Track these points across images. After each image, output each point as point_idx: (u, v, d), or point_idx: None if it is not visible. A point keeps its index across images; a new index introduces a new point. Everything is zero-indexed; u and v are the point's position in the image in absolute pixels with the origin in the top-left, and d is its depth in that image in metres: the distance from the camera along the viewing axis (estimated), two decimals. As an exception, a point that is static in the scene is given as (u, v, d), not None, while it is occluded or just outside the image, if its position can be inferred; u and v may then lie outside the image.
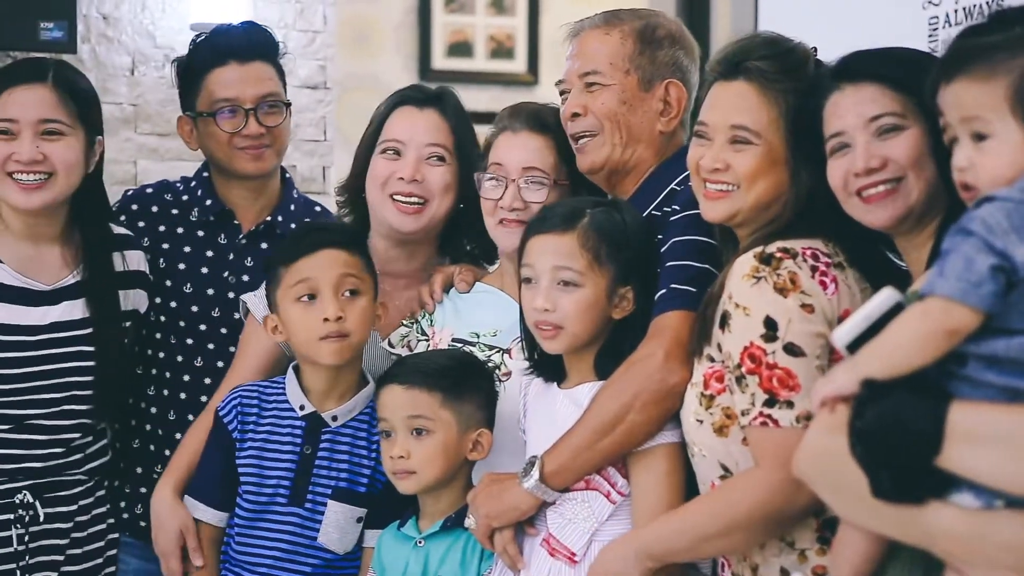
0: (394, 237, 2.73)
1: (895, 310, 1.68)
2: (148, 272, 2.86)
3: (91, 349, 2.69)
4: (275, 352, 2.66)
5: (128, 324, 2.80)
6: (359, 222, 2.79)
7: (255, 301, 2.66)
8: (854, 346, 1.69)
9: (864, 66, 2.01)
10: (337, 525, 2.50)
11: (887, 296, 1.69)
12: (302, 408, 2.54)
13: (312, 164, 5.18)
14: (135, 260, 2.83)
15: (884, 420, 1.61)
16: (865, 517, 1.74)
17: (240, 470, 2.54)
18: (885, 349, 1.63)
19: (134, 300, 2.82)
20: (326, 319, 2.46)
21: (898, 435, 1.60)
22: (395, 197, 2.68)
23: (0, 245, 2.68)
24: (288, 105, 2.92)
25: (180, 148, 4.99)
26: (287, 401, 2.56)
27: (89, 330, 2.70)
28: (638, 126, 2.47)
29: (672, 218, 2.32)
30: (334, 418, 2.54)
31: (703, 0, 4.68)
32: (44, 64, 2.73)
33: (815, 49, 2.18)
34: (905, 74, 1.95)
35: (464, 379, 2.42)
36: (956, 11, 3.08)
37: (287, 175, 3.04)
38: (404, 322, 2.70)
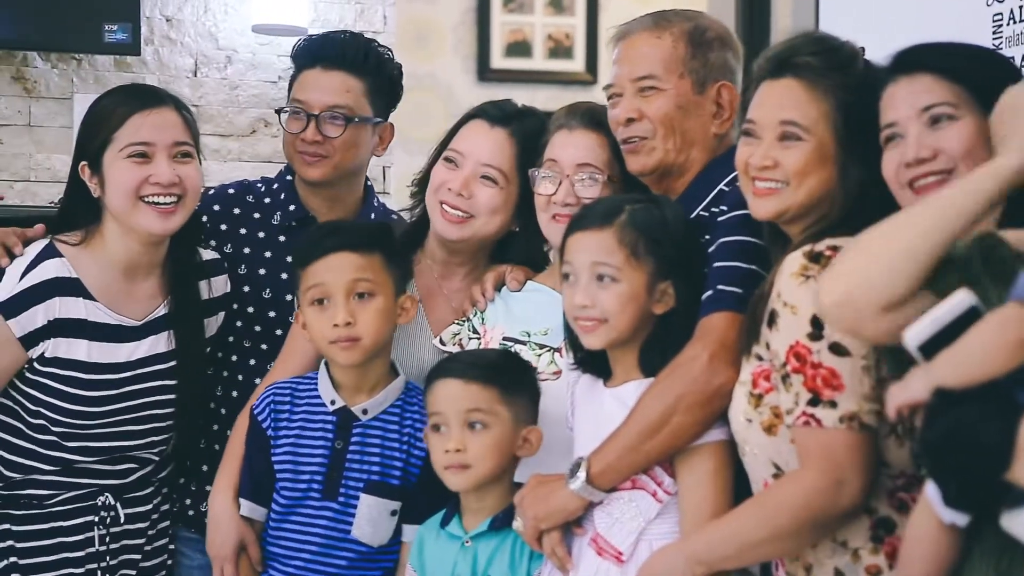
0: (442, 241, 2.75)
1: (970, 314, 1.65)
2: (229, 288, 2.87)
3: (174, 382, 2.72)
4: (314, 355, 2.67)
5: (208, 349, 2.83)
6: (425, 217, 2.81)
7: None
8: (926, 348, 1.67)
9: (919, 57, 2.00)
10: (370, 518, 2.51)
11: (961, 299, 1.66)
12: (333, 403, 2.56)
13: (372, 163, 5.20)
14: (220, 285, 2.85)
15: (953, 432, 1.58)
16: None
17: (276, 466, 2.56)
18: (959, 356, 1.61)
19: (215, 325, 2.85)
20: (336, 324, 2.48)
21: (967, 448, 1.57)
22: (443, 205, 2.69)
23: (95, 280, 2.65)
24: (358, 121, 2.88)
25: (241, 148, 5.06)
26: (319, 396, 2.58)
27: (172, 363, 2.72)
28: (692, 130, 2.46)
29: (720, 219, 2.31)
30: (364, 412, 2.56)
31: (764, 2, 4.65)
32: (156, 89, 2.76)
33: (863, 49, 2.16)
34: (960, 65, 1.94)
35: (517, 375, 2.43)
36: (1021, 7, 3.04)
37: (369, 182, 3.05)
38: (456, 320, 2.71)
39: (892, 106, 1.99)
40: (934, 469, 1.62)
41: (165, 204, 2.61)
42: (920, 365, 1.69)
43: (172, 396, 2.72)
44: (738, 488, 2.21)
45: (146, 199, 2.60)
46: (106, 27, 4.76)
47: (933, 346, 1.65)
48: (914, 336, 1.68)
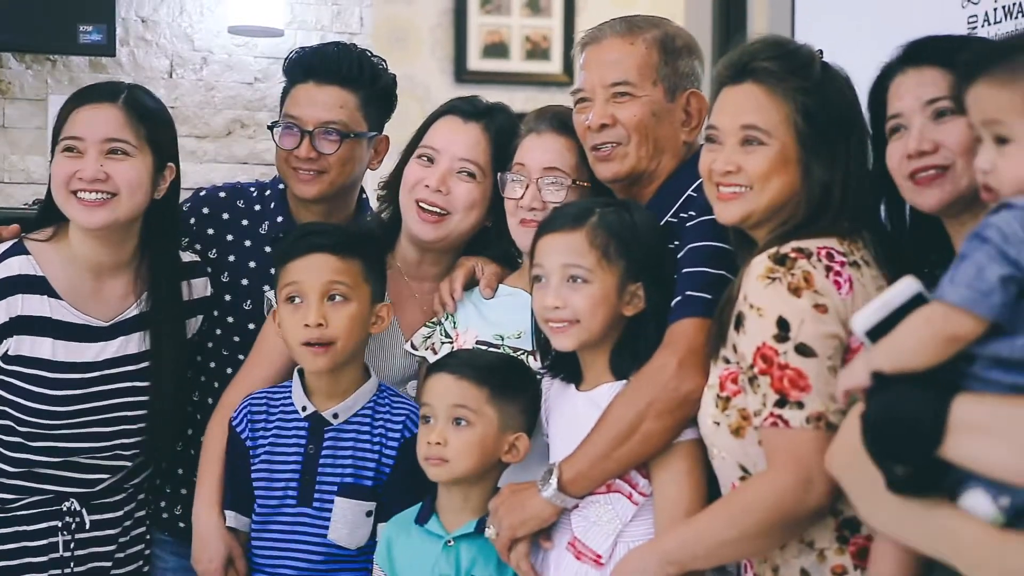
0: (416, 242, 2.74)
1: (916, 300, 1.68)
2: (210, 291, 2.85)
3: (145, 384, 2.70)
4: (286, 357, 2.65)
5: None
6: (395, 220, 2.80)
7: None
8: (873, 333, 1.69)
9: (928, 50, 2.01)
10: (346, 521, 2.51)
11: (907, 285, 1.69)
12: (304, 409, 2.57)
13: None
14: (200, 287, 2.83)
15: (887, 410, 1.62)
16: (886, 522, 1.75)
17: (253, 475, 2.57)
18: (893, 347, 1.65)
19: (194, 328, 2.83)
20: (307, 325, 2.48)
21: (900, 425, 1.61)
22: (420, 203, 2.68)
23: (61, 278, 2.65)
24: (353, 136, 2.83)
25: (216, 150, 5.04)
26: (292, 404, 2.58)
27: (144, 364, 2.70)
28: (664, 137, 2.47)
29: (688, 224, 2.32)
30: (335, 416, 2.56)
31: (740, 4, 4.66)
32: (118, 86, 2.71)
33: (821, 51, 2.18)
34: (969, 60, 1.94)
35: (513, 380, 2.43)
36: (995, 9, 3.06)
37: (363, 196, 3.03)
38: (427, 323, 2.70)
39: (898, 96, 2.01)
40: (872, 449, 1.63)
41: (91, 199, 2.59)
42: (865, 350, 1.72)
43: (143, 398, 2.70)
44: (710, 489, 2.22)
45: (76, 193, 2.59)
46: (81, 28, 4.74)
47: (880, 332, 1.68)
48: (862, 322, 1.71)
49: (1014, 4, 3.03)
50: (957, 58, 1.93)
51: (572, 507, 2.28)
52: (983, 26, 3.12)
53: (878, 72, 2.10)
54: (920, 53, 2.02)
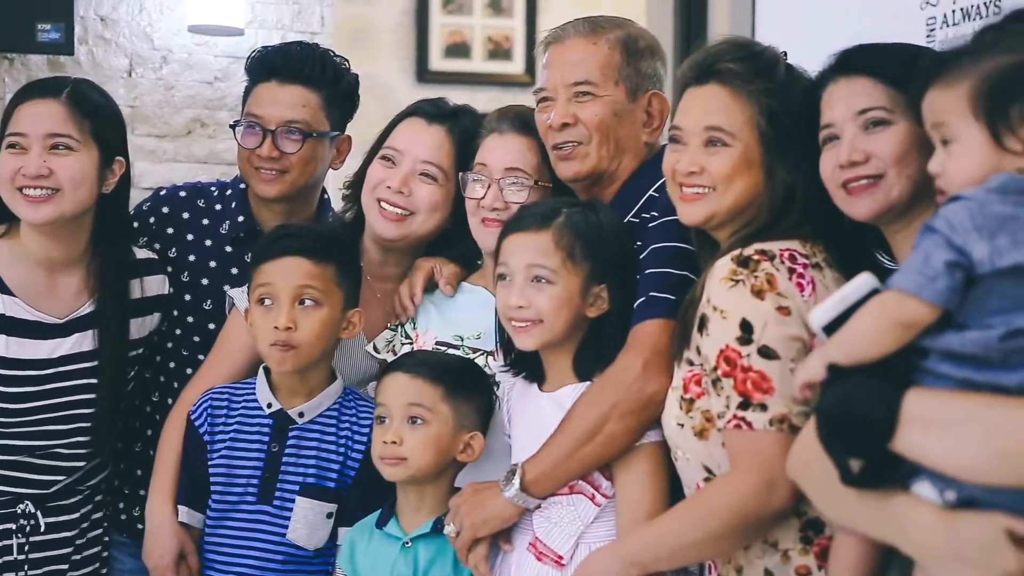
0: (379, 242, 2.73)
1: (873, 295, 1.69)
2: (168, 289, 2.83)
3: (97, 381, 2.68)
4: (251, 349, 2.65)
5: (139, 352, 2.79)
6: (358, 220, 2.79)
7: (241, 296, 2.66)
8: (830, 328, 1.70)
9: (859, 59, 2.02)
10: (306, 521, 2.51)
11: (864, 281, 1.70)
12: (269, 406, 2.56)
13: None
14: (155, 285, 2.81)
15: (841, 403, 1.64)
16: (844, 514, 1.77)
17: (211, 470, 2.55)
18: (847, 338, 1.66)
19: (149, 326, 2.81)
20: (276, 327, 2.48)
21: (854, 418, 1.63)
22: (381, 203, 2.68)
23: (14, 275, 2.63)
24: (316, 136, 2.82)
25: (176, 150, 5.01)
26: (256, 400, 2.58)
27: (97, 362, 2.68)
28: (625, 137, 2.47)
29: (651, 225, 2.32)
30: (300, 415, 2.55)
31: (701, 6, 4.68)
32: (63, 81, 2.70)
33: (785, 53, 2.19)
34: (899, 69, 1.96)
35: (467, 379, 2.43)
36: (954, 11, 3.08)
37: (325, 196, 3.02)
38: (389, 326, 2.70)
39: (830, 107, 2.02)
40: (827, 442, 1.65)
41: (35, 195, 2.57)
42: (819, 345, 1.74)
43: (95, 396, 2.68)
44: (673, 490, 2.22)
45: (22, 190, 2.58)
46: (39, 26, 4.69)
47: (837, 327, 1.70)
48: (819, 317, 1.72)
49: (972, 6, 3.06)
50: (884, 66, 1.97)
51: (534, 508, 2.27)
52: (941, 28, 3.14)
53: (811, 81, 2.11)
54: (851, 62, 2.02)
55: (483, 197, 2.55)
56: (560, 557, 2.25)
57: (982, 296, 1.58)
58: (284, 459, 2.53)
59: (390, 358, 2.62)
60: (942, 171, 1.70)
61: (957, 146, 1.68)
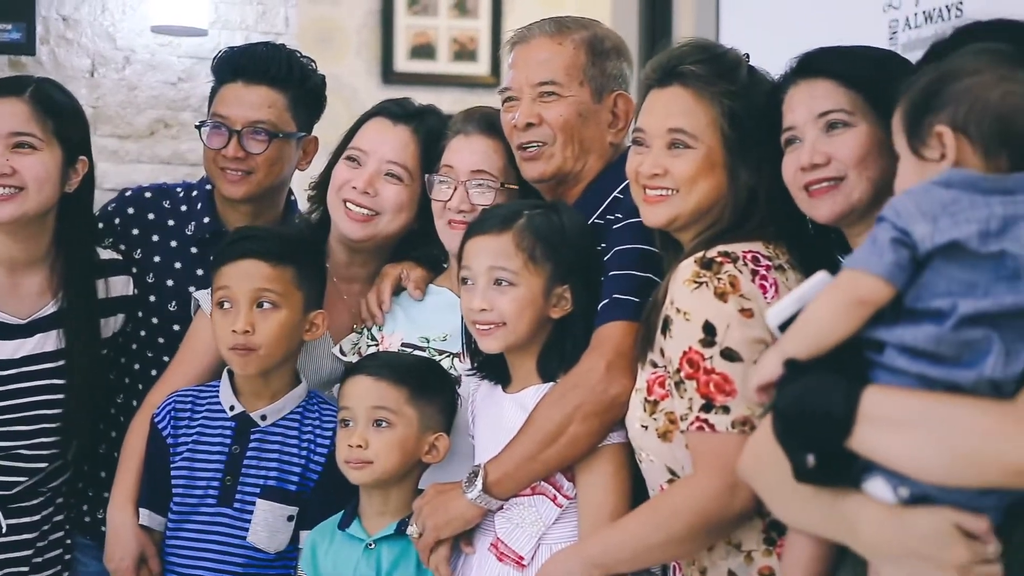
0: (345, 243, 2.72)
1: None
2: (133, 291, 2.81)
3: (63, 382, 2.66)
4: (216, 351, 2.63)
5: (104, 353, 2.77)
6: (324, 222, 2.78)
7: (206, 298, 2.65)
8: (786, 327, 1.71)
9: (820, 62, 2.04)
10: (266, 524, 2.50)
11: (820, 279, 1.71)
12: (232, 408, 2.56)
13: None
14: (119, 285, 2.79)
15: (799, 399, 1.64)
16: (796, 514, 1.78)
17: (173, 473, 2.55)
18: (803, 326, 1.68)
19: (114, 326, 2.79)
20: (234, 331, 2.47)
21: (812, 414, 1.63)
22: (347, 203, 2.67)
23: None
24: (282, 136, 2.81)
25: (139, 150, 4.98)
26: (220, 403, 2.57)
27: (62, 362, 2.66)
28: (590, 138, 2.47)
29: (615, 226, 2.32)
30: (263, 417, 2.55)
31: (665, 8, 4.69)
32: (26, 80, 2.68)
33: (747, 55, 2.19)
34: (859, 71, 1.98)
35: (431, 380, 2.43)
36: (916, 14, 3.11)
37: (292, 197, 3.00)
38: (355, 328, 2.69)
39: (791, 109, 2.03)
40: (783, 438, 1.66)
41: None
42: (774, 344, 1.75)
43: (61, 396, 2.66)
44: (637, 491, 2.22)
45: None
46: (0, 26, 4.65)
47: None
48: (775, 316, 1.73)
49: (934, 9, 3.09)
50: (844, 68, 2.00)
51: (496, 509, 2.27)
52: (904, 30, 3.17)
53: (774, 84, 2.13)
54: (812, 65, 2.04)
55: (449, 199, 2.54)
56: (521, 558, 2.25)
57: (929, 279, 1.61)
58: (245, 462, 2.52)
59: (356, 360, 2.61)
60: (896, 188, 1.75)
61: (900, 163, 1.73)
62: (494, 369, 2.37)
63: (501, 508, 2.27)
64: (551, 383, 2.27)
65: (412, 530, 2.33)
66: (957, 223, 1.59)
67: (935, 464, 1.57)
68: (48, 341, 2.66)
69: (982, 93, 1.66)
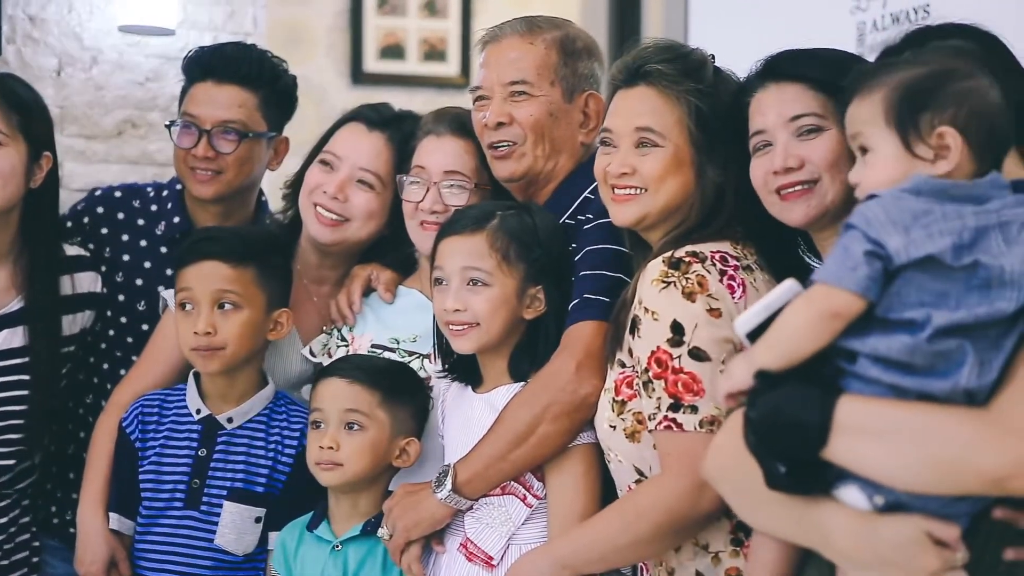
0: (315, 245, 2.72)
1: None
2: (102, 288, 2.80)
3: (28, 378, 2.65)
4: (179, 355, 2.62)
5: (71, 349, 2.76)
6: (296, 222, 2.77)
7: (172, 297, 2.64)
8: (754, 335, 1.71)
9: (789, 66, 2.04)
10: (234, 526, 2.50)
11: (788, 286, 1.71)
12: (198, 412, 2.55)
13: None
14: (86, 282, 2.78)
15: (774, 410, 1.64)
16: (764, 519, 1.78)
17: (141, 477, 2.54)
18: (775, 338, 1.67)
19: (81, 323, 2.78)
20: (196, 332, 2.47)
21: (787, 425, 1.63)
22: (317, 207, 2.66)
23: None
24: (252, 136, 2.80)
25: (107, 151, 4.95)
26: (187, 407, 2.57)
27: (27, 359, 2.65)
28: (561, 138, 2.47)
29: (586, 227, 2.33)
30: (229, 420, 2.55)
31: (634, 9, 4.71)
32: None
33: (713, 56, 2.20)
34: (829, 75, 1.98)
35: (403, 384, 2.43)
36: (883, 16, 3.13)
37: (263, 198, 3.00)
38: (324, 329, 2.68)
39: (760, 112, 2.04)
40: (757, 448, 1.66)
41: None
42: (743, 352, 1.75)
43: (27, 393, 2.65)
44: (607, 491, 2.23)
45: None
46: (-35, 26, 4.62)
47: (761, 334, 1.70)
48: (743, 324, 1.73)
49: (901, 11, 3.11)
50: (814, 72, 2.00)
51: (466, 509, 2.27)
52: (871, 32, 3.19)
53: (738, 85, 2.13)
54: (780, 68, 2.05)
55: (422, 200, 2.54)
56: (490, 558, 2.25)
57: (901, 289, 1.61)
58: (212, 464, 2.52)
59: (326, 361, 2.61)
60: (859, 180, 1.73)
61: (872, 155, 1.71)
62: (465, 370, 2.37)
63: (471, 508, 2.27)
64: (522, 383, 2.27)
65: (383, 532, 2.32)
66: (931, 236, 1.59)
67: (913, 473, 1.58)
68: (15, 337, 2.65)
69: (982, 96, 1.67)
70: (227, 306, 2.49)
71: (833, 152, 1.97)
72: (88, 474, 2.61)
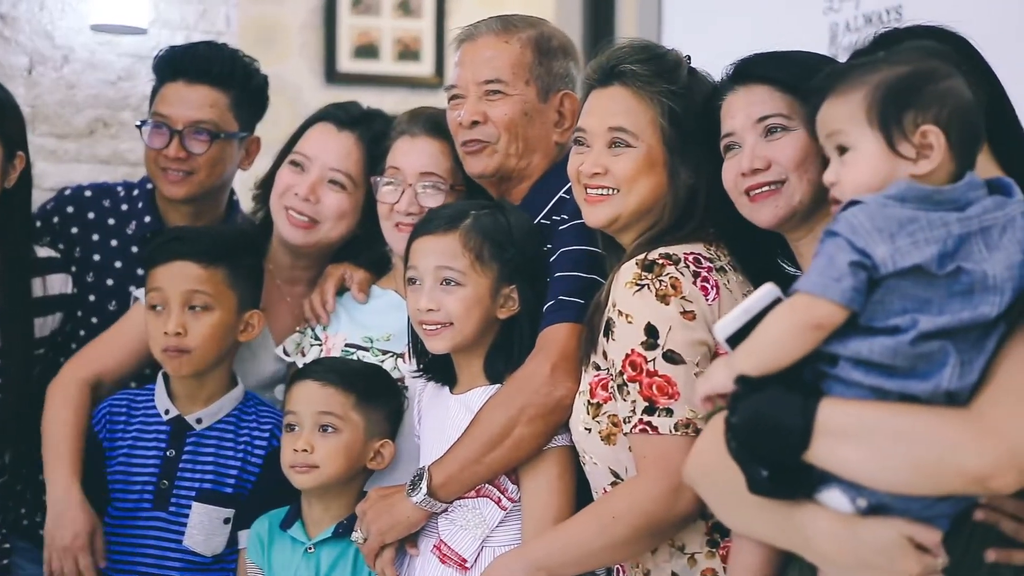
0: (287, 246, 2.71)
1: (776, 305, 1.70)
2: (72, 289, 2.78)
3: (0, 381, 2.63)
4: (142, 344, 2.59)
5: (42, 351, 2.74)
6: (267, 223, 2.76)
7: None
8: (734, 339, 1.71)
9: (756, 68, 2.05)
10: (202, 527, 2.49)
11: (767, 291, 1.71)
12: (167, 412, 2.55)
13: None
14: (57, 283, 2.76)
15: (756, 415, 1.64)
16: (745, 522, 1.78)
17: (110, 478, 2.53)
18: (757, 345, 1.67)
19: (51, 324, 2.76)
20: (166, 332, 2.46)
21: (769, 430, 1.63)
22: (289, 210, 2.65)
23: None
24: (224, 136, 2.79)
25: (78, 150, 4.92)
26: (155, 407, 2.55)
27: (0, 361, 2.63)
28: (535, 137, 2.46)
29: (560, 227, 2.32)
30: (198, 421, 2.54)
31: (608, 9, 4.71)
32: None
33: (688, 57, 2.20)
34: (795, 76, 1.98)
35: (378, 387, 2.43)
36: (856, 17, 3.14)
37: (235, 197, 2.98)
38: (298, 329, 2.67)
39: (730, 115, 2.04)
40: (738, 453, 1.67)
41: None
42: (723, 356, 1.75)
43: (1, 395, 2.63)
44: (582, 494, 2.22)
45: None
46: (-66, 24, 4.59)
47: (741, 338, 1.70)
48: (723, 328, 1.72)
49: (874, 12, 3.12)
50: (780, 74, 2.00)
51: (441, 511, 2.27)
52: (844, 33, 3.20)
53: (713, 87, 2.13)
54: (748, 71, 2.05)
55: (397, 202, 2.53)
56: (464, 560, 2.24)
57: (884, 297, 1.61)
58: (181, 465, 2.52)
59: (299, 360, 2.60)
60: (837, 179, 1.73)
61: (852, 154, 1.70)
62: (440, 370, 2.37)
63: (446, 511, 2.27)
64: (497, 384, 2.27)
65: (357, 536, 2.32)
66: (917, 244, 1.59)
67: (895, 474, 1.59)
68: None
69: (960, 95, 1.67)
70: (198, 307, 2.48)
71: (800, 152, 1.97)
72: (50, 444, 2.55)
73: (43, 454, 2.57)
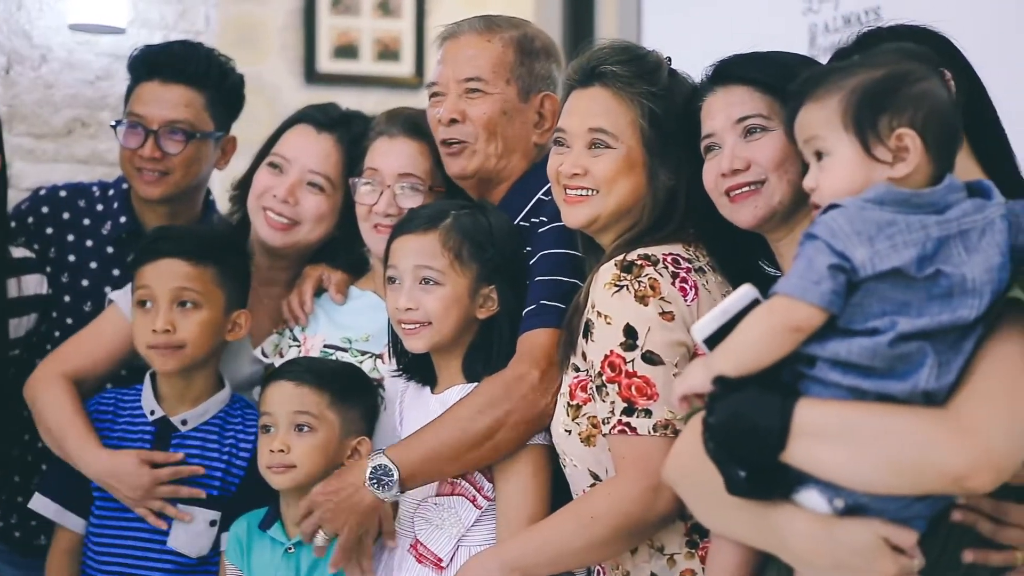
0: (265, 247, 2.70)
1: (754, 307, 1.70)
2: (47, 290, 2.77)
3: None
4: (118, 345, 2.59)
5: (16, 353, 2.73)
6: (244, 223, 2.76)
7: (122, 297, 2.62)
8: (712, 340, 1.71)
9: (735, 69, 2.05)
10: (187, 529, 2.49)
11: (745, 292, 1.71)
12: (152, 413, 2.54)
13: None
14: (32, 284, 2.75)
15: (733, 415, 1.64)
16: (723, 522, 1.79)
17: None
18: (735, 346, 1.67)
19: (26, 325, 2.75)
20: (154, 330, 2.45)
21: (746, 430, 1.64)
22: (267, 211, 2.65)
23: None
24: (200, 136, 2.78)
25: (56, 150, 4.90)
26: (141, 408, 2.55)
27: None
28: (514, 137, 2.46)
29: (540, 230, 2.32)
30: (184, 422, 2.53)
31: (588, 10, 4.72)
32: None
33: (669, 59, 2.21)
34: (775, 77, 1.99)
35: (353, 385, 2.42)
36: (835, 18, 3.15)
37: (211, 197, 2.97)
38: (276, 330, 2.67)
39: (710, 116, 2.04)
40: (716, 453, 1.67)
41: None
42: (701, 356, 1.75)
43: None
44: (559, 493, 2.22)
45: None
46: (-91, 23, 4.56)
47: (719, 339, 1.70)
48: (701, 329, 1.72)
49: (852, 13, 3.13)
50: (759, 74, 2.01)
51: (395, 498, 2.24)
52: (823, 34, 3.21)
53: (692, 88, 2.14)
54: (727, 72, 2.06)
55: (376, 203, 2.52)
56: (440, 560, 2.24)
57: (863, 300, 1.61)
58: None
59: (278, 361, 2.59)
60: (816, 185, 1.73)
61: (829, 159, 1.71)
62: (420, 370, 2.36)
63: (419, 506, 2.25)
64: (475, 384, 2.27)
65: (320, 539, 2.29)
66: (896, 248, 1.60)
67: (873, 474, 1.59)
68: None
69: (937, 97, 1.67)
70: (187, 304, 2.48)
71: (779, 152, 1.98)
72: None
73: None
